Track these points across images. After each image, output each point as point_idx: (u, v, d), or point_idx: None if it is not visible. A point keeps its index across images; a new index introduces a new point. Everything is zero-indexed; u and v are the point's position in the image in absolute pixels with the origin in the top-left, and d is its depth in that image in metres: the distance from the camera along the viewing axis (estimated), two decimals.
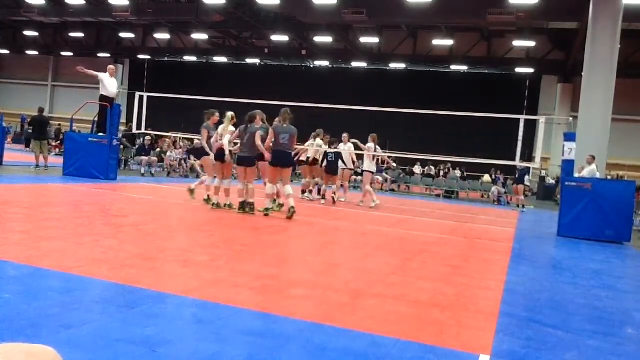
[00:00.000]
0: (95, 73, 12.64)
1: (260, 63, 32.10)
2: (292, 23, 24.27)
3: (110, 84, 12.62)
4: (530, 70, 26.66)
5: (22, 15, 27.06)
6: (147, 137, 18.43)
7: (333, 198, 12.54)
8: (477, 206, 17.35)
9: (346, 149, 12.78)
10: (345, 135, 12.94)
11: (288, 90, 24.03)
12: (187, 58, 32.61)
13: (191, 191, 9.64)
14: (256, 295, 3.92)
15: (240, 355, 2.74)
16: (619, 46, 15.14)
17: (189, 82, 29.21)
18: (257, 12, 23.51)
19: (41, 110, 15.39)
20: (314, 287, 4.32)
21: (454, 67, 27.69)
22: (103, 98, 12.58)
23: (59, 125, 26.22)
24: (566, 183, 9.98)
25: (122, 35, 30.74)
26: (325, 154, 12.67)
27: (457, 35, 26.14)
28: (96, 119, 13.28)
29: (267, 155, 8.74)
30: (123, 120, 21.12)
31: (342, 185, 13.39)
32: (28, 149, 21.13)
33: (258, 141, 8.61)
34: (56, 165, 13.70)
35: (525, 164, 15.31)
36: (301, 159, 13.58)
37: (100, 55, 33.66)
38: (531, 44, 24.62)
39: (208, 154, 9.28)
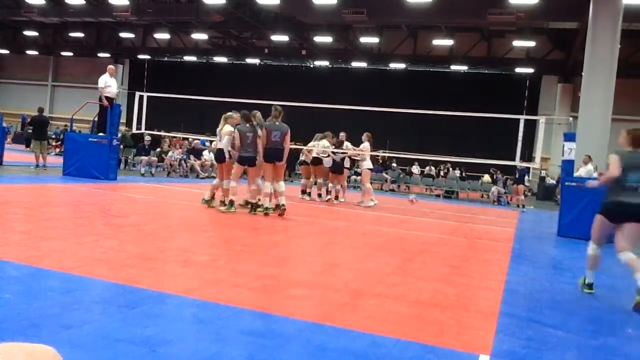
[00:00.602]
0: (105, 93, 12.51)
1: (260, 63, 32.10)
2: (292, 23, 24.27)
3: (110, 84, 12.62)
4: (530, 70, 26.66)
5: (22, 15, 27.05)
6: (147, 137, 18.42)
7: (322, 196, 12.95)
8: (477, 206, 17.34)
9: (344, 148, 12.92)
10: (342, 135, 13.05)
11: (288, 90, 24.04)
12: (187, 58, 32.60)
13: (230, 203, 9.40)
14: (256, 295, 3.92)
15: (240, 355, 2.74)
16: (619, 46, 15.14)
17: (189, 82, 29.20)
18: (257, 12, 23.51)
19: (41, 110, 15.41)
20: (314, 287, 4.32)
21: (454, 67, 27.68)
22: (105, 98, 12.58)
23: (65, 125, 26.20)
24: (566, 183, 9.98)
25: (122, 35, 30.73)
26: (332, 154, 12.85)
27: (457, 35, 26.14)
28: (96, 119, 13.29)
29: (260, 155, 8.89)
30: (123, 120, 21.09)
31: (340, 185, 13.44)
32: (28, 149, 21.13)
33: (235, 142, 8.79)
34: (56, 165, 13.70)
35: (525, 164, 15.31)
36: (302, 159, 13.62)
37: (100, 55, 33.68)
38: (531, 44, 24.62)
39: (229, 157, 9.40)
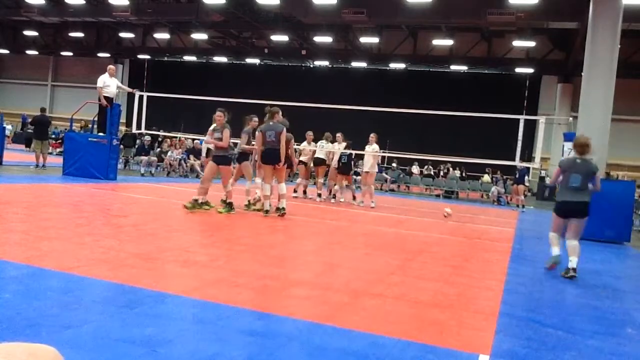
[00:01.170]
0: (103, 94, 12.51)
1: (260, 63, 32.11)
2: (292, 23, 24.26)
3: (109, 83, 12.62)
4: (530, 70, 26.66)
5: (22, 15, 27.08)
6: (147, 137, 18.41)
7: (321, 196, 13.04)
8: (477, 206, 17.35)
9: (342, 148, 13.02)
10: (339, 135, 13.12)
11: (288, 90, 24.06)
12: (187, 58, 32.62)
13: (250, 204, 9.47)
14: (256, 295, 3.92)
15: (240, 355, 2.74)
16: (619, 46, 15.13)
17: (189, 82, 29.23)
18: (257, 12, 23.50)
19: (43, 110, 15.44)
20: (314, 287, 4.32)
21: (453, 67, 27.69)
22: (105, 98, 12.58)
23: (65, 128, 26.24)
24: None
25: (122, 35, 30.75)
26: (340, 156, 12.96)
27: (457, 35, 26.13)
28: (96, 118, 13.29)
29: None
30: (123, 120, 21.09)
31: (347, 186, 13.56)
32: (28, 149, 21.12)
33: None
34: (56, 165, 13.70)
35: (525, 164, 15.30)
36: (301, 159, 13.64)
37: (100, 55, 33.70)
38: (531, 44, 24.60)
39: (247, 159, 9.40)
